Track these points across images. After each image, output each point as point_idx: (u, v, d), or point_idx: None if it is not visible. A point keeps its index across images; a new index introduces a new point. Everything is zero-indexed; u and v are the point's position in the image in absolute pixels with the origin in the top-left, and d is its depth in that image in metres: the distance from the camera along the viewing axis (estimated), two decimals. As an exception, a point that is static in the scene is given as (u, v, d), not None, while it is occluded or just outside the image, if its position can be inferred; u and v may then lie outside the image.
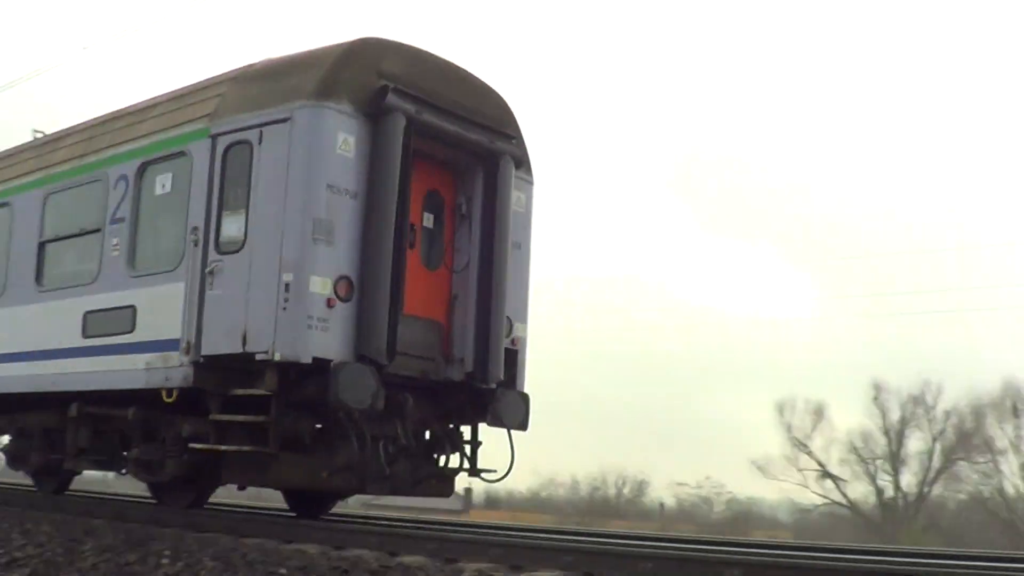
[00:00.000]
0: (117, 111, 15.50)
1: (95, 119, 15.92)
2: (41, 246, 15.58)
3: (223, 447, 12.29)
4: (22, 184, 16.40)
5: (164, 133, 13.69)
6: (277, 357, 11.56)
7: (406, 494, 13.58)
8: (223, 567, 9.64)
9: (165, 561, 10.12)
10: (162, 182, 13.78)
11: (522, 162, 14.01)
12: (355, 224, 12.01)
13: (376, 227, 12.01)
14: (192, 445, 12.70)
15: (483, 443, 13.74)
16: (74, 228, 15.03)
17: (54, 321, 14.80)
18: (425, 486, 13.39)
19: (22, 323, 15.48)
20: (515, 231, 13.74)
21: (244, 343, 11.92)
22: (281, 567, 9.45)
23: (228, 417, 12.28)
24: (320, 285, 11.87)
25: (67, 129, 16.51)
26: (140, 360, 13.11)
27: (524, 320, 14.12)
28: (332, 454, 12.28)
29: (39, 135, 17.29)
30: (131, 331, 13.40)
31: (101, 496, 17.85)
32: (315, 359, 11.62)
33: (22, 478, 19.04)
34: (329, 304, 11.85)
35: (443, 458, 13.72)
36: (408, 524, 12.64)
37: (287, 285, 11.72)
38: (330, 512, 15.45)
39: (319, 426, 12.47)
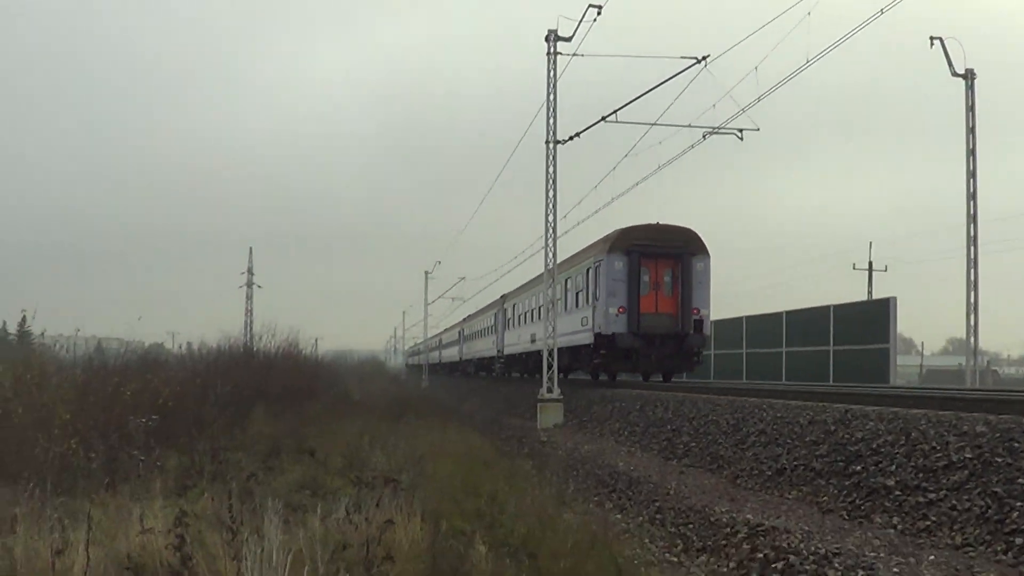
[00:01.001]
0: (580, 250, 43.89)
1: (581, 249, 43.49)
2: (576, 294, 41.55)
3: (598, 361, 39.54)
4: (569, 272, 43.02)
5: (590, 259, 39.68)
6: (606, 332, 37.68)
7: (670, 373, 40.29)
8: None
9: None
10: (591, 274, 39.38)
11: (697, 252, 37.96)
12: (624, 289, 37.60)
13: (630, 289, 37.43)
14: (594, 362, 39.50)
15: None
16: (579, 288, 41.12)
17: (576, 320, 41.17)
18: (675, 369, 39.51)
19: (571, 321, 42.07)
20: (698, 276, 37.92)
21: (600, 328, 38.00)
22: None
23: (604, 351, 38.46)
24: (615, 310, 37.73)
25: (580, 251, 43.98)
26: (587, 334, 39.48)
27: (706, 306, 38.13)
28: (638, 361, 38.46)
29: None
30: (588, 325, 39.46)
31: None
32: (614, 333, 37.62)
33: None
34: (617, 315, 37.74)
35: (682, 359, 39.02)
36: None
37: (605, 310, 37.56)
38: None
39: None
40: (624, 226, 38.70)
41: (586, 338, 39.68)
